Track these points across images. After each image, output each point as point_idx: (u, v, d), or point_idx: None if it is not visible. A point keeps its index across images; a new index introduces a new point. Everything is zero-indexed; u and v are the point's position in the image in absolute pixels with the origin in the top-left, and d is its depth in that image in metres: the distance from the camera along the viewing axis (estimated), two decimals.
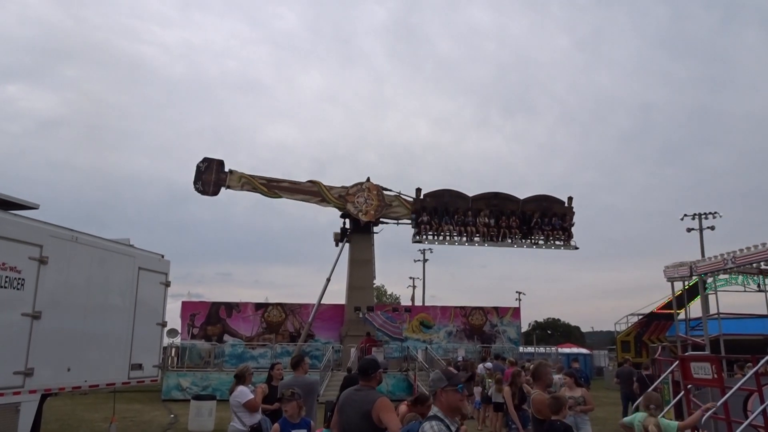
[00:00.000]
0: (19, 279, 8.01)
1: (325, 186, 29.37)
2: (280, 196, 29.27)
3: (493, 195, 30.40)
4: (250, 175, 29.00)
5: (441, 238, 29.49)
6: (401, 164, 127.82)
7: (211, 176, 28.50)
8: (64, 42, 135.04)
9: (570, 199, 30.96)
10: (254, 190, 28.98)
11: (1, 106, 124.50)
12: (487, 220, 29.65)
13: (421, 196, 29.49)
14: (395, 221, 30.29)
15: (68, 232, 9.19)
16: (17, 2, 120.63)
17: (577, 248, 30.55)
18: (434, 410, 3.67)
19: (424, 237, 29.53)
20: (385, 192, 29.73)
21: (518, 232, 29.81)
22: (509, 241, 29.77)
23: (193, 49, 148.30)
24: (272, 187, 29.09)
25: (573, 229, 30.47)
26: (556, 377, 11.92)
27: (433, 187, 30.23)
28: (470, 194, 30.17)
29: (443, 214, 29.44)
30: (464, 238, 29.60)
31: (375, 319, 28.00)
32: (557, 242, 30.32)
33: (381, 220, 29.96)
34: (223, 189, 28.71)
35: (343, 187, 29.51)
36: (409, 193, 29.92)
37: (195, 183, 28.46)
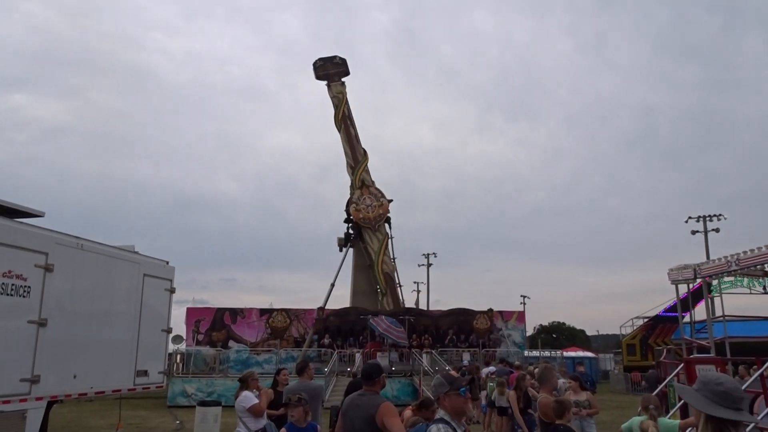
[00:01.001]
0: (25, 287, 8.06)
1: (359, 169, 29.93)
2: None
3: (404, 311, 29.05)
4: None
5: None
6: (404, 169, 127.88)
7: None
8: (69, 51, 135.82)
9: (491, 310, 30.14)
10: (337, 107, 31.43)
11: (7, 115, 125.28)
12: None
13: (323, 315, 27.19)
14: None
15: (73, 240, 9.23)
16: (23, 12, 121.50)
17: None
18: (441, 413, 3.70)
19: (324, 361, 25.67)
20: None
21: (430, 350, 27.40)
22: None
23: (197, 56, 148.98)
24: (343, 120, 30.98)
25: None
26: (561, 381, 11.90)
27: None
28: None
29: (348, 335, 27.34)
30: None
31: (379, 323, 27.97)
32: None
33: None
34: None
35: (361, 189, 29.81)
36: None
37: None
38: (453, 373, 4.07)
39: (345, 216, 30.37)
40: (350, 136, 30.72)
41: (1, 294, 7.66)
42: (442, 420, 3.63)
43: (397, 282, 30.27)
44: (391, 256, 30.58)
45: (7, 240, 7.85)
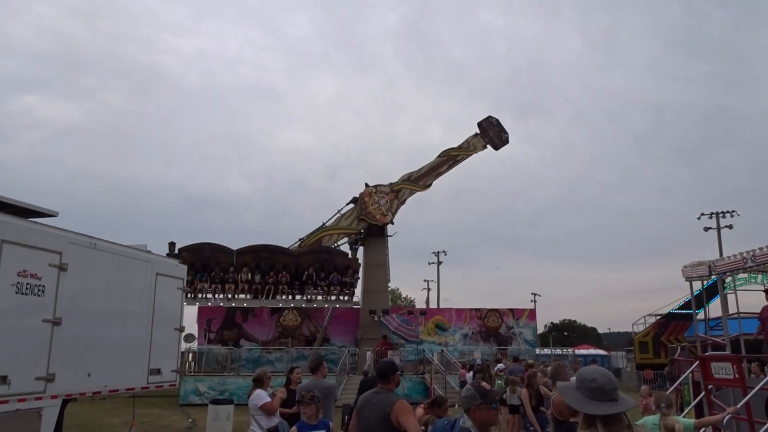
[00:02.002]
0: (40, 286, 8.12)
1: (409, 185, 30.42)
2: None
3: (262, 248, 27.78)
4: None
5: (192, 298, 25.68)
6: (414, 167, 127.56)
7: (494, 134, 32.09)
8: (80, 52, 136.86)
9: (354, 250, 29.59)
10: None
11: (20, 116, 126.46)
12: (250, 276, 26.63)
13: (176, 251, 25.69)
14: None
15: (87, 239, 9.29)
16: (35, 14, 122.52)
17: (357, 305, 28.66)
18: (468, 423, 3.66)
19: None
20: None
21: (287, 287, 27.01)
22: (279, 297, 27.12)
23: (207, 57, 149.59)
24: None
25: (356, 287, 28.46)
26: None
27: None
28: (234, 248, 27.34)
29: (200, 270, 26.36)
30: (219, 296, 26.48)
31: (390, 322, 27.97)
32: (340, 297, 27.82)
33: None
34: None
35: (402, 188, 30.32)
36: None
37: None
38: (485, 385, 4.03)
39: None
40: (438, 170, 31.53)
41: (17, 293, 7.73)
42: (468, 431, 3.61)
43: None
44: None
45: (22, 240, 7.92)
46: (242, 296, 27.03)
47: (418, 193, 31.21)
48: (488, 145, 32.59)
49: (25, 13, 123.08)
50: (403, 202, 30.42)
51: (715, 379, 8.95)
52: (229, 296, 26.68)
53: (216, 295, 26.56)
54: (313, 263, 27.59)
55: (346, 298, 28.07)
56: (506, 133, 31.93)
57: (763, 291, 9.88)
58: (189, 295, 25.34)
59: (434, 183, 32.52)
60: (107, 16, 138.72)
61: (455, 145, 32.69)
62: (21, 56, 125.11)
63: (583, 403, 2.49)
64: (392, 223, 30.20)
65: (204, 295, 26.41)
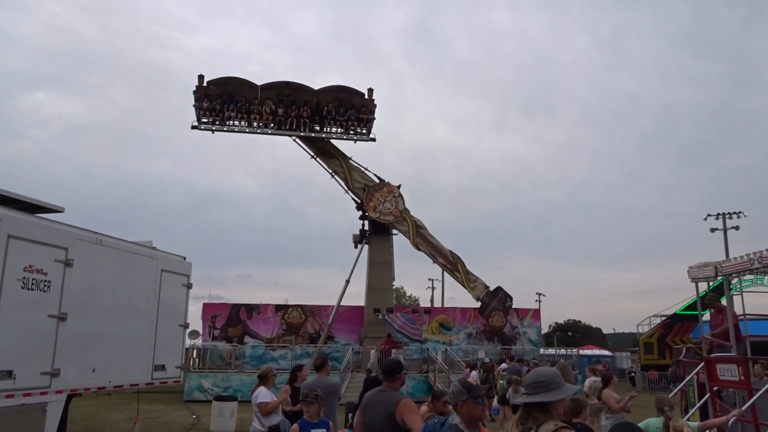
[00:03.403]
0: (46, 281, 8.15)
1: (411, 238, 29.11)
2: (450, 252, 29.80)
3: (284, 84, 28.94)
4: (465, 282, 29.29)
5: (220, 125, 27.98)
6: (420, 166, 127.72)
7: (497, 305, 29.53)
8: (90, 49, 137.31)
9: (370, 91, 29.50)
10: (467, 273, 29.47)
11: (29, 113, 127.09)
12: (274, 108, 28.12)
13: (204, 83, 27.86)
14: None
15: (93, 235, 9.32)
16: (46, 11, 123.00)
17: (374, 140, 29.14)
18: (456, 420, 3.72)
19: (204, 123, 27.85)
20: (365, 197, 29.39)
21: (308, 121, 28.43)
22: (299, 131, 28.40)
23: (214, 54, 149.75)
24: (453, 263, 29.52)
25: (374, 123, 29.23)
26: (591, 380, 11.73)
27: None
28: (259, 83, 28.55)
29: (227, 102, 28.01)
30: (245, 125, 28.22)
31: (394, 320, 28.00)
32: (357, 131, 28.92)
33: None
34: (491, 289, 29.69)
35: (397, 220, 29.34)
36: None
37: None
38: (471, 380, 4.07)
39: (360, 213, 30.34)
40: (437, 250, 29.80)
41: (23, 288, 7.76)
42: (457, 428, 3.66)
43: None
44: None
45: (28, 235, 7.95)
46: (267, 128, 28.42)
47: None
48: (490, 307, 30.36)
49: (36, 10, 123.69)
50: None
51: (720, 380, 8.90)
52: (255, 124, 28.27)
53: (241, 123, 28.16)
54: (332, 101, 28.80)
55: (363, 131, 29.03)
56: (511, 300, 30.25)
57: None
58: (216, 123, 27.87)
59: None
60: (116, 14, 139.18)
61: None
62: (32, 53, 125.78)
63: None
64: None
65: (232, 123, 28.06)
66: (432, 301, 57.42)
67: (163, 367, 10.95)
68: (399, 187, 29.46)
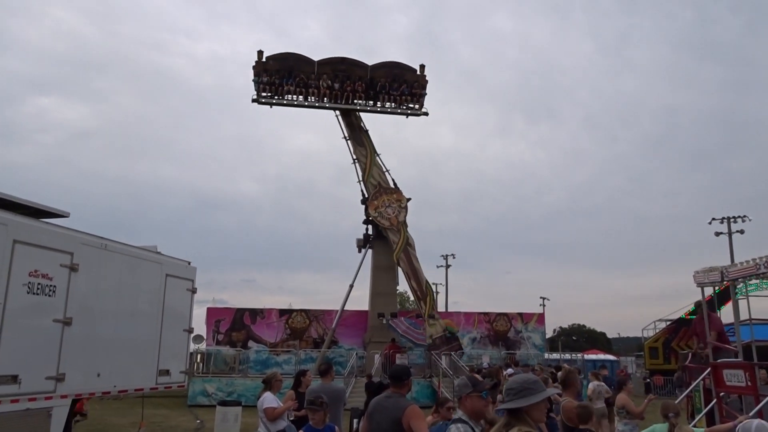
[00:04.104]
0: (51, 286, 8.16)
1: (397, 250, 28.69)
2: (426, 281, 29.18)
3: (339, 60, 29.52)
4: (426, 318, 28.33)
5: (282, 98, 28.79)
6: (423, 170, 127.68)
7: (446, 345, 28.09)
8: (96, 55, 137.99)
9: (422, 67, 30.12)
10: (432, 308, 28.94)
11: (35, 118, 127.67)
12: (330, 83, 28.87)
13: (263, 59, 28.69)
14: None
15: (98, 240, 9.33)
16: (53, 17, 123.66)
17: (426, 114, 29.80)
18: (459, 413, 3.83)
19: (264, 97, 28.68)
20: (369, 197, 29.44)
21: (364, 96, 29.14)
22: (355, 103, 29.13)
23: (220, 60, 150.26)
24: (423, 293, 28.68)
25: (426, 99, 29.94)
26: (595, 384, 11.71)
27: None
28: (316, 59, 29.23)
29: (285, 77, 28.74)
30: (304, 99, 28.88)
31: (398, 325, 27.94)
32: (409, 106, 29.66)
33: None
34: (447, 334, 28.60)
35: (386, 229, 29.14)
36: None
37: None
38: (477, 376, 4.17)
39: (364, 217, 30.34)
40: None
41: (28, 293, 7.77)
42: (461, 420, 3.74)
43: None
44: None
45: (34, 240, 7.97)
46: (323, 101, 29.01)
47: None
48: None
49: (43, 15, 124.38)
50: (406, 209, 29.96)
51: (727, 386, 8.86)
52: (312, 99, 28.99)
53: (298, 97, 29.02)
54: (385, 76, 29.48)
55: (416, 106, 29.76)
56: (461, 353, 28.38)
57: None
58: (275, 98, 28.70)
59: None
60: (122, 20, 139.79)
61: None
62: (37, 58, 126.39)
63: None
64: (409, 199, 29.85)
65: (292, 98, 28.99)
66: (435, 306, 57.24)
67: (167, 372, 10.94)
68: (408, 200, 29.48)
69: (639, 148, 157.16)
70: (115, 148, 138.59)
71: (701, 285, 9.87)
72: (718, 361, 9.37)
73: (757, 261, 8.39)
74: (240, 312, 30.56)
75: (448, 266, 55.75)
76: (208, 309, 30.81)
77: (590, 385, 12.03)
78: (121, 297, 9.75)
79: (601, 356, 42.37)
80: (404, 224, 29.04)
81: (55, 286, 8.21)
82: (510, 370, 18.18)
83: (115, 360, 9.50)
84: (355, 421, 12.15)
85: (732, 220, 39.25)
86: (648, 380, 32.47)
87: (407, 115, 29.99)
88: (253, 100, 28.71)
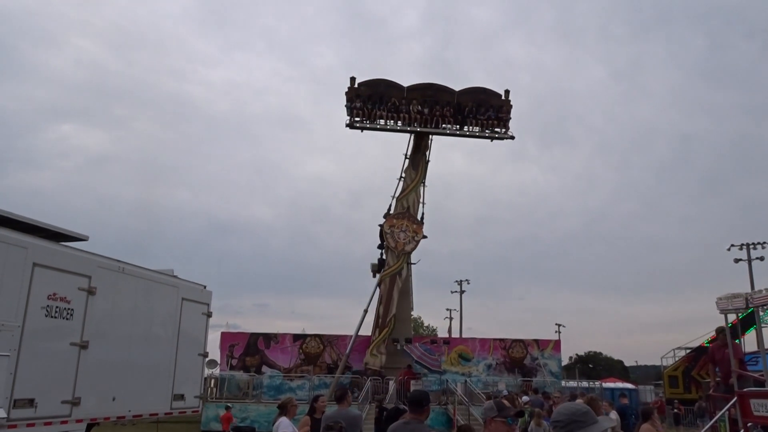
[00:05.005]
0: (69, 309, 8.19)
1: (388, 270, 28.82)
2: (393, 314, 28.42)
3: (428, 85, 30.13)
4: (369, 346, 28.10)
5: (374, 122, 29.33)
6: (435, 195, 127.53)
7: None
8: (115, 83, 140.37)
9: (507, 92, 30.57)
10: (383, 341, 28.02)
11: (56, 144, 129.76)
12: (420, 108, 29.43)
13: (356, 85, 29.41)
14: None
15: (115, 263, 9.38)
16: (74, 46, 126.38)
17: (512, 137, 30.29)
18: None
19: (357, 122, 29.22)
20: (394, 213, 29.68)
21: (452, 120, 29.75)
22: (444, 127, 29.66)
23: (235, 86, 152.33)
24: (384, 324, 28.21)
25: (510, 123, 30.42)
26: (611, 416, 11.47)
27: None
28: (405, 84, 29.83)
29: (377, 103, 29.33)
30: (396, 123, 29.42)
31: (413, 350, 27.68)
32: (494, 130, 30.18)
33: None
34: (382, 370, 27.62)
35: (388, 248, 29.29)
36: None
37: None
38: (505, 402, 4.09)
39: (378, 242, 30.32)
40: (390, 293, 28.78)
41: (46, 316, 7.80)
42: None
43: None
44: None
45: (53, 263, 8.02)
46: (413, 126, 29.74)
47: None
48: None
49: (65, 45, 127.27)
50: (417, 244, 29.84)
51: (755, 416, 8.61)
52: (400, 123, 29.75)
53: (388, 122, 29.75)
54: (471, 101, 30.18)
55: (502, 130, 30.37)
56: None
57: None
58: (365, 122, 29.39)
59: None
60: (140, 48, 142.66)
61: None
62: (59, 86, 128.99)
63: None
64: (425, 237, 29.91)
65: (382, 122, 29.71)
66: (450, 331, 56.74)
67: (182, 397, 10.89)
68: (424, 237, 29.78)
69: (653, 174, 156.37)
70: (133, 173, 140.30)
71: (725, 312, 9.67)
72: (745, 390, 9.12)
73: None
74: (254, 337, 30.42)
75: (462, 291, 55.33)
76: (223, 333, 30.72)
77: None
78: (137, 320, 9.75)
79: (620, 384, 41.53)
80: (407, 255, 29.18)
81: (72, 310, 8.23)
82: (526, 398, 17.86)
83: (130, 384, 9.47)
84: None
85: (752, 246, 38.71)
86: (676, 410, 31.68)
87: (492, 138, 30.68)
88: (347, 125, 29.53)
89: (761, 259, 38.32)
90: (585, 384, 40.57)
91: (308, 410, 8.11)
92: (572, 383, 39.65)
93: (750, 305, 8.95)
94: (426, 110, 29.63)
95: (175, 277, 11.25)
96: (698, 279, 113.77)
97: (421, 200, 30.29)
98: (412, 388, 22.85)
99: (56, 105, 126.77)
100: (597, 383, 37.44)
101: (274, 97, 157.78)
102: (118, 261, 9.52)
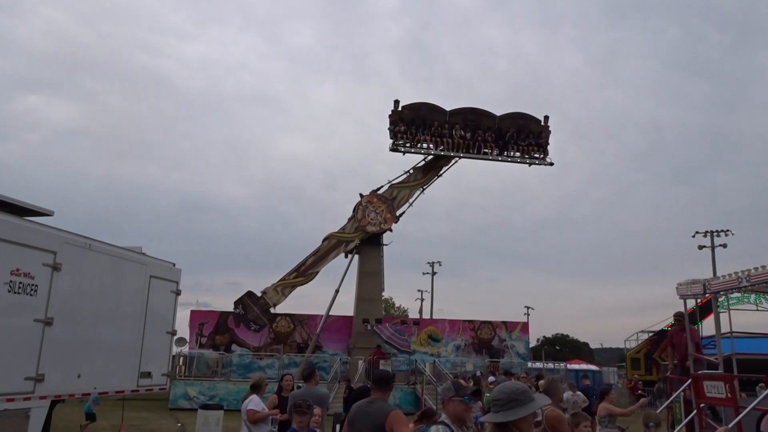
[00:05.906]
0: (33, 285, 8.07)
1: (339, 233, 29.97)
2: (317, 271, 29.93)
3: (470, 110, 30.65)
4: (281, 280, 29.75)
5: (417, 146, 29.87)
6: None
7: (254, 311, 29.69)
8: (85, 55, 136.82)
9: (546, 117, 31.23)
10: (293, 287, 29.83)
11: (22, 116, 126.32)
12: (462, 132, 30.02)
13: (399, 108, 29.87)
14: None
15: (82, 240, 9.24)
16: (42, 16, 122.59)
17: (552, 164, 30.93)
18: (442, 416, 3.86)
19: (400, 146, 29.66)
20: (380, 193, 30.28)
21: (494, 146, 30.34)
22: (485, 152, 30.27)
23: (210, 62, 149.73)
24: (304, 272, 29.77)
25: (549, 148, 31.07)
26: (568, 394, 11.82)
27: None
28: (447, 108, 30.37)
29: (420, 126, 29.83)
30: (440, 148, 29.89)
31: (383, 331, 27.85)
32: (534, 156, 30.79)
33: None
34: (272, 310, 29.96)
35: (353, 218, 29.92)
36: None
37: (248, 325, 29.72)
38: (462, 381, 4.19)
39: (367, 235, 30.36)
40: (319, 260, 30.10)
41: (9, 292, 7.68)
42: (443, 422, 3.78)
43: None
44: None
45: (16, 238, 7.88)
46: (455, 152, 30.24)
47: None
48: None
49: (32, 14, 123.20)
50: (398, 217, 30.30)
51: (707, 398, 8.94)
52: (442, 148, 30.04)
53: (430, 146, 30.15)
54: (511, 126, 30.72)
55: (541, 156, 30.90)
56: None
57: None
58: (407, 145, 29.76)
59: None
60: (112, 20, 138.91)
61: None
62: (26, 57, 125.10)
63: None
64: (391, 230, 30.25)
65: (425, 146, 30.15)
66: (421, 312, 57.40)
67: (149, 375, 10.84)
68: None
69: (625, 161, 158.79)
70: (102, 149, 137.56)
71: (684, 297, 9.96)
72: (699, 372, 9.45)
73: (739, 274, 8.49)
74: (224, 315, 30.31)
75: (434, 273, 55.86)
76: (192, 312, 30.52)
77: (565, 395, 12.11)
78: (103, 297, 9.66)
79: (584, 366, 42.54)
80: (363, 233, 29.77)
81: (37, 286, 8.12)
82: (492, 378, 18.22)
83: (96, 361, 9.40)
84: (338, 426, 12.10)
85: (715, 233, 39.73)
86: (640, 392, 32.53)
87: (530, 164, 31.00)
88: (391, 149, 29.70)
89: (724, 246, 39.40)
90: (551, 366, 41.49)
91: (277, 388, 8.20)
92: (538, 365, 40.50)
93: (708, 291, 9.23)
94: (468, 135, 30.20)
95: (144, 254, 11.14)
96: (664, 265, 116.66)
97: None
98: (380, 368, 23.09)
99: (23, 75, 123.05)
100: (562, 365, 38.33)
101: (250, 74, 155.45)
102: (85, 237, 9.38)
